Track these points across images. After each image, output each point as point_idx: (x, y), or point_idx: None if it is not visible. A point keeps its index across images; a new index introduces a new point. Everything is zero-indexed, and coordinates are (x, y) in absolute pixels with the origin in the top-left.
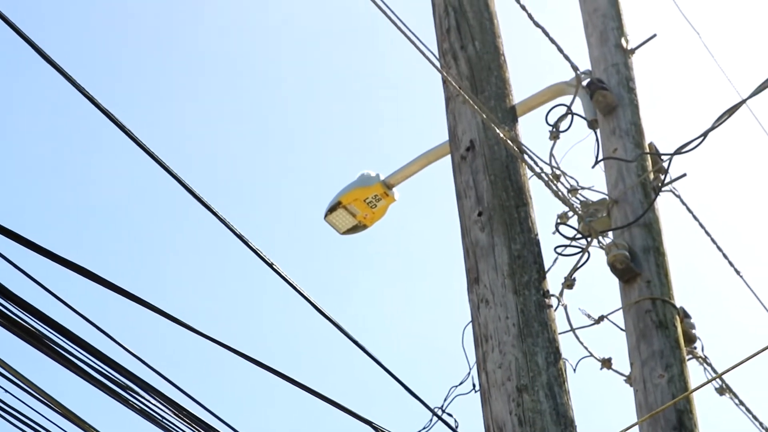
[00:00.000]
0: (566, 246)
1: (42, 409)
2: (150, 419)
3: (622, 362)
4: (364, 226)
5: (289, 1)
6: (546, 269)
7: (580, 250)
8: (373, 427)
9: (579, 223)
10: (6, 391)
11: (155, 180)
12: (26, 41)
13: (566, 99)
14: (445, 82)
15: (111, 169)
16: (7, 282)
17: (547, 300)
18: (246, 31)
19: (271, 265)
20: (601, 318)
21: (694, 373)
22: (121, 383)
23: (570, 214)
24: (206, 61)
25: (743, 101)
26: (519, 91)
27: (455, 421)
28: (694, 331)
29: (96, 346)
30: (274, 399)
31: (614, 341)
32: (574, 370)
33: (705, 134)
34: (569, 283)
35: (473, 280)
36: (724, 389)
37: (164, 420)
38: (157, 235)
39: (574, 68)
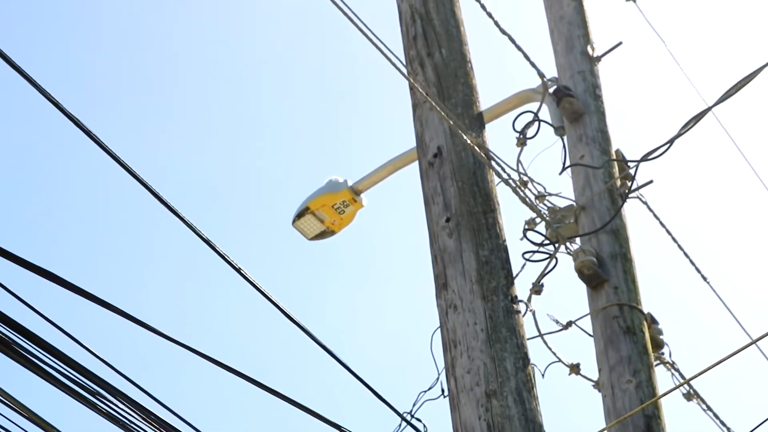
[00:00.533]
0: (534, 252)
1: (9, 413)
2: (118, 424)
3: (591, 368)
4: (332, 232)
5: (254, 7)
6: (514, 275)
7: (547, 256)
8: (342, 431)
9: (547, 230)
10: None
11: (123, 185)
12: None
13: (533, 106)
14: (412, 88)
15: (78, 174)
16: None
17: (515, 306)
18: (213, 39)
19: (239, 270)
20: (569, 324)
21: (662, 378)
22: (89, 388)
23: (538, 220)
24: (176, 70)
25: (709, 108)
26: (486, 98)
27: (424, 426)
28: (661, 336)
29: (64, 351)
30: (243, 404)
31: (582, 347)
32: (543, 375)
33: (671, 141)
34: (537, 288)
35: (441, 285)
36: (691, 395)
37: (133, 425)
38: (125, 240)
39: (541, 75)
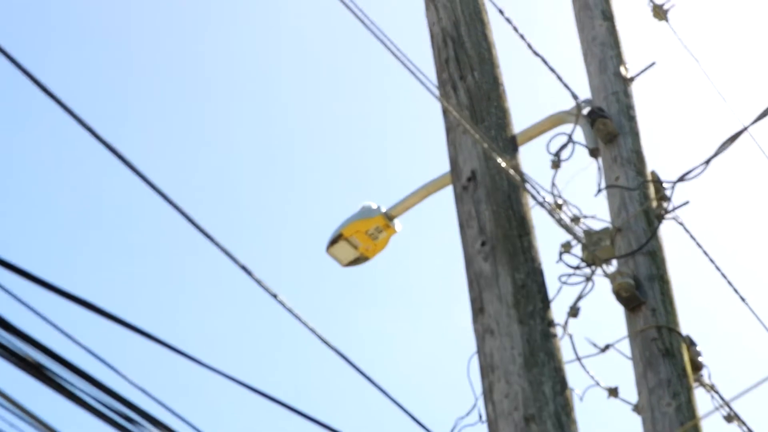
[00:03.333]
0: (570, 275)
1: None
2: None
3: (629, 391)
4: (366, 258)
5: (289, 33)
6: (550, 298)
7: (584, 278)
8: None
9: (583, 252)
10: (11, 425)
11: (158, 211)
12: (27, 75)
13: (567, 128)
14: (445, 112)
15: (113, 199)
16: (9, 314)
17: (552, 329)
18: (242, 66)
19: (275, 296)
20: (607, 347)
21: (702, 401)
22: (125, 415)
23: (573, 242)
24: (208, 90)
25: (745, 128)
26: (519, 121)
27: None
28: (700, 358)
29: (101, 380)
30: (282, 431)
31: (620, 370)
32: (581, 399)
33: (707, 162)
34: (574, 312)
35: (478, 310)
36: (732, 417)
37: None
38: (160, 266)
39: (574, 97)
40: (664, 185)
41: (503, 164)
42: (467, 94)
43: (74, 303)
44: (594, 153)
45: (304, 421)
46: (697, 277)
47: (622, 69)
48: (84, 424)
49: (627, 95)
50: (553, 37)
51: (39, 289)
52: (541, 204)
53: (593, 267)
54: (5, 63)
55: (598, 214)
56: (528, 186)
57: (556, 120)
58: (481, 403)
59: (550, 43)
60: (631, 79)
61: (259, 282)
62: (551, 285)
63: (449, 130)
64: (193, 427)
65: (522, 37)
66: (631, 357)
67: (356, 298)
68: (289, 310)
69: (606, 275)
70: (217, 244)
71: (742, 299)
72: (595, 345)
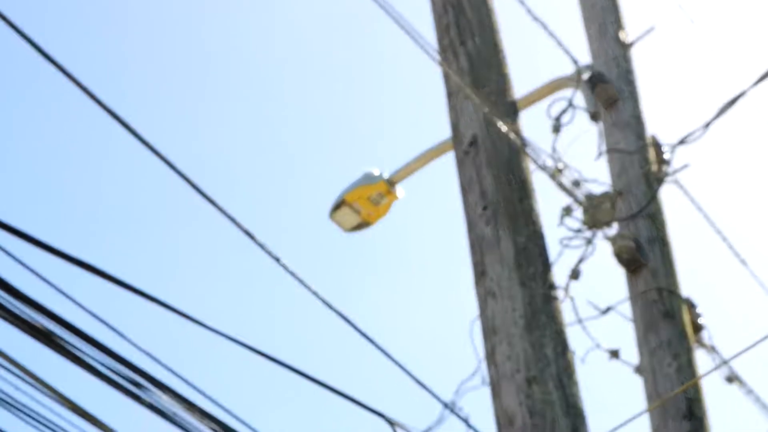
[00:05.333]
0: (571, 238)
1: (53, 406)
2: (162, 415)
3: (630, 353)
4: (369, 224)
5: (288, 5)
6: (552, 261)
7: (585, 241)
8: (386, 419)
9: (583, 215)
10: (17, 389)
11: (162, 177)
12: (30, 43)
13: (567, 93)
14: (445, 77)
15: (117, 166)
16: (17, 281)
17: (553, 292)
18: (246, 29)
19: (277, 260)
20: (608, 309)
21: (702, 363)
22: (132, 380)
23: (574, 206)
24: (209, 61)
25: (744, 92)
26: (520, 86)
27: (466, 414)
28: (700, 320)
29: (106, 344)
30: (286, 394)
31: (622, 332)
32: (582, 361)
33: (707, 125)
34: (575, 274)
35: (480, 273)
36: (732, 378)
37: (176, 416)
38: (164, 232)
39: (575, 62)
40: (664, 149)
41: (504, 129)
42: (468, 59)
43: (81, 268)
44: (594, 117)
45: (309, 383)
46: (697, 239)
47: (621, 34)
48: (92, 389)
49: (627, 60)
50: (553, 2)
51: (46, 255)
52: (542, 168)
53: (594, 230)
54: (9, 32)
55: (599, 177)
56: (529, 150)
57: (556, 85)
58: (483, 366)
59: (550, 8)
60: (631, 44)
61: (261, 246)
62: (552, 248)
63: (450, 95)
64: (199, 391)
65: (522, 2)
66: (632, 319)
67: (359, 264)
68: (292, 274)
69: (607, 238)
70: (220, 209)
71: (742, 261)
72: (596, 307)
